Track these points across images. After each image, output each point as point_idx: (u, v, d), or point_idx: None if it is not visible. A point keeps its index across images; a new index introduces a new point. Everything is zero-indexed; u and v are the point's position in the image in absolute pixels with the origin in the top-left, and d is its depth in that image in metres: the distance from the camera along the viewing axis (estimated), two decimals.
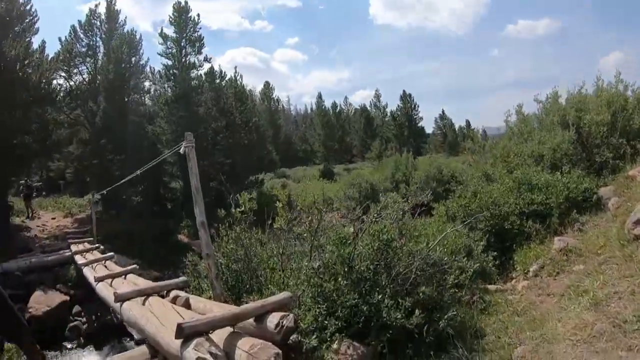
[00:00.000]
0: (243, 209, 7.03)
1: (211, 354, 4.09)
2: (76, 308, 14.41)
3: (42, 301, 13.93)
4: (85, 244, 17.45)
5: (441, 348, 4.89)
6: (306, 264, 5.62)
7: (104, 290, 9.77)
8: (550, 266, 6.84)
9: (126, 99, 24.61)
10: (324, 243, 5.92)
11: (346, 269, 5.17)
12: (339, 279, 5.13)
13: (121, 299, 7.03)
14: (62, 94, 26.00)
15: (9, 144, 20.60)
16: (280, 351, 4.14)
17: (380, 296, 4.86)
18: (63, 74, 26.52)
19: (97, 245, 16.89)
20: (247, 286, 6.77)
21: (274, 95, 69.91)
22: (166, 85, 26.75)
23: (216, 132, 26.82)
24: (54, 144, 23.38)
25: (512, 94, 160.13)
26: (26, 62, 20.54)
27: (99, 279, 10.50)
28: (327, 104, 67.70)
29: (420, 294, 5.07)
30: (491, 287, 7.00)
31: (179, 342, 4.29)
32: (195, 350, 4.08)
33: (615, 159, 9.50)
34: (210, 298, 6.70)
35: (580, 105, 10.70)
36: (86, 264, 13.61)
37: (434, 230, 7.43)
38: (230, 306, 5.61)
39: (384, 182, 27.28)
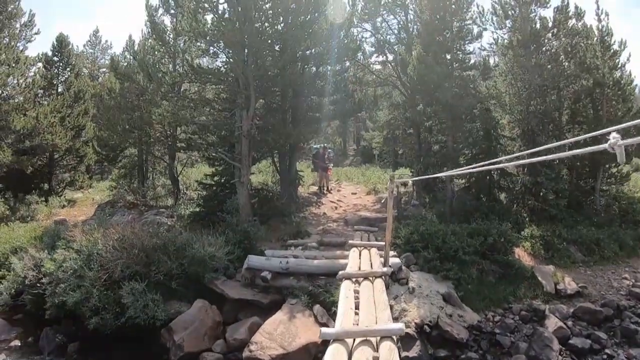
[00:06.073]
0: None
1: None
2: None
3: (280, 332, 9.06)
4: (373, 250, 12.06)
5: None
6: None
7: None
8: None
9: (448, 45, 17.79)
10: None
11: None
12: None
13: None
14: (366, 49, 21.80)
15: (294, 106, 17.43)
16: None
17: None
18: (367, 27, 22.01)
19: (390, 256, 10.75)
20: None
21: None
22: (500, 30, 19.57)
23: (578, 96, 18.53)
24: (354, 105, 19.08)
25: None
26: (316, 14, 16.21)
27: None
28: None
29: None
30: None
31: None
32: None
33: None
34: None
35: None
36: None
37: None
38: None
39: None
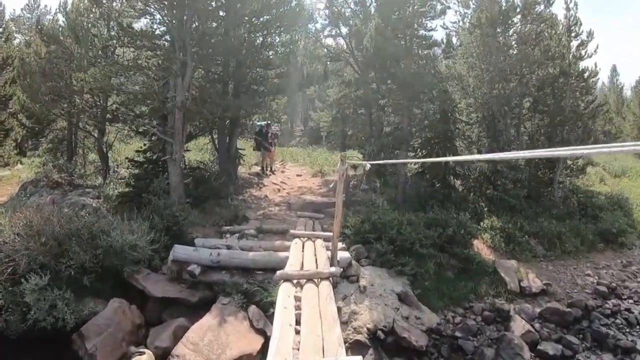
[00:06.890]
0: None
1: None
2: None
3: (208, 341, 7.58)
4: (319, 242, 10.63)
5: None
6: None
7: None
8: None
9: (408, 20, 15.88)
10: None
11: None
12: None
13: None
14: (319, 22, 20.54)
15: (237, 77, 15.90)
16: None
17: None
18: None
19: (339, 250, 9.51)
20: None
21: None
22: (466, 9, 18.45)
23: (542, 83, 17.69)
24: (302, 80, 17.77)
25: None
26: None
27: None
28: None
29: None
30: None
31: None
32: None
33: None
34: None
35: None
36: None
37: None
38: None
39: None
